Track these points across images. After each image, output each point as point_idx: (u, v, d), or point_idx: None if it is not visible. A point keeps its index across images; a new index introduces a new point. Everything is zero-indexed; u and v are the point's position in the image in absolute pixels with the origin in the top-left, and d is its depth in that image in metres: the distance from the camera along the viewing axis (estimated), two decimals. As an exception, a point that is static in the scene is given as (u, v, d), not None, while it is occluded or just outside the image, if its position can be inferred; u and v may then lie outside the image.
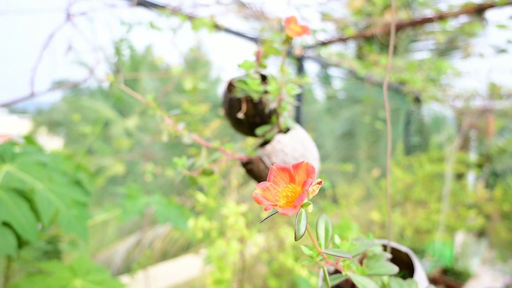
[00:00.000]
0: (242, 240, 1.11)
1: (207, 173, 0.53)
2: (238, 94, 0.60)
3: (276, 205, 0.29)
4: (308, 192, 0.28)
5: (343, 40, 2.55)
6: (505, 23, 2.11)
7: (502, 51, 2.53)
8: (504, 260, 3.20)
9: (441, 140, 5.17)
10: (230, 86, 0.66)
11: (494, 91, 3.76)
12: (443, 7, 2.10)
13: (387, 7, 2.25)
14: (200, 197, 1.15)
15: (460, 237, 4.34)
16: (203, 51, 1.72)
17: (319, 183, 0.29)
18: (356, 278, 0.36)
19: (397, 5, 2.37)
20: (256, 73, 0.59)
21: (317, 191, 0.29)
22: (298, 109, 2.68)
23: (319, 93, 6.00)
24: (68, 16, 1.58)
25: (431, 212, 3.32)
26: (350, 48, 4.31)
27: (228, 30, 2.20)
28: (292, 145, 0.54)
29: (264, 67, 0.61)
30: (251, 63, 0.57)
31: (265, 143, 0.64)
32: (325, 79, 5.60)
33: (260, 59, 0.59)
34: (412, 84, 3.80)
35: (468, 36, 2.44)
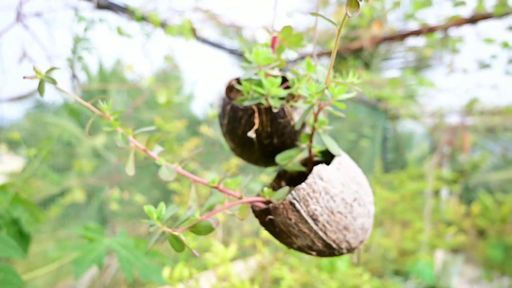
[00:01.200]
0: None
1: (200, 229, 0.32)
2: (246, 101, 0.40)
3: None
4: None
5: (326, 54, 2.43)
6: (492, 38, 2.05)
7: (485, 66, 2.49)
8: (490, 280, 3.12)
9: (417, 157, 5.17)
10: (230, 91, 0.46)
11: (471, 107, 3.77)
12: (430, 20, 2.02)
13: (373, 20, 2.15)
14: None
15: (440, 254, 4.27)
16: (176, 62, 1.52)
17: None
18: None
19: (384, 18, 2.28)
20: (274, 69, 0.39)
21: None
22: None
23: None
24: (19, 16, 1.33)
25: (416, 231, 3.21)
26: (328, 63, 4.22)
27: (205, 40, 2.01)
28: (341, 183, 0.34)
29: (282, 63, 0.41)
30: (267, 53, 0.37)
31: (284, 177, 0.44)
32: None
33: (276, 50, 0.40)
34: (391, 100, 3.75)
35: (452, 52, 2.38)
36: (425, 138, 6.52)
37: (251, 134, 0.39)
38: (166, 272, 0.77)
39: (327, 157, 0.41)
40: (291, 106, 0.40)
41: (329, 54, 2.43)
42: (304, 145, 0.40)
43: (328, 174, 0.34)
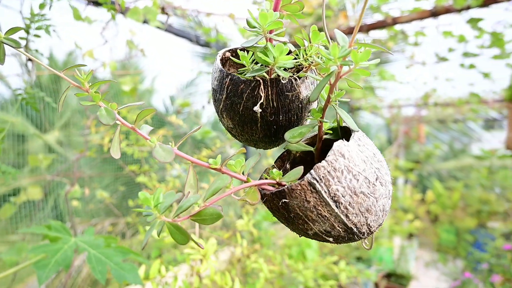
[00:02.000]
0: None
1: (206, 217, 0.28)
2: (250, 72, 0.35)
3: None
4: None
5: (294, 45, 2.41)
6: (451, 31, 2.14)
7: (443, 59, 2.60)
8: (445, 262, 3.30)
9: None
10: (222, 65, 0.41)
11: (426, 100, 3.95)
12: (395, 12, 2.06)
13: (341, 11, 2.16)
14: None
15: (397, 241, 4.47)
16: (139, 48, 1.42)
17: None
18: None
19: (350, 10, 2.30)
20: (280, 35, 0.35)
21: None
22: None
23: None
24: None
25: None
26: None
27: (169, 28, 1.91)
28: (362, 160, 0.30)
29: (283, 33, 0.37)
30: (274, 15, 0.32)
31: (288, 159, 0.40)
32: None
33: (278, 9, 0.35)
34: (353, 93, 3.83)
35: (413, 45, 2.45)
36: (383, 130, 6.77)
37: (257, 108, 0.34)
38: (141, 270, 0.71)
39: (338, 135, 0.37)
40: (299, 78, 0.36)
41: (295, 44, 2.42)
42: (315, 121, 0.36)
43: (350, 151, 0.30)
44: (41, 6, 0.84)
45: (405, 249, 4.18)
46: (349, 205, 0.30)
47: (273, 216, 0.34)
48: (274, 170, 0.34)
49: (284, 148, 0.40)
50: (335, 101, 0.35)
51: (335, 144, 0.31)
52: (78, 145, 3.13)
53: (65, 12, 1.43)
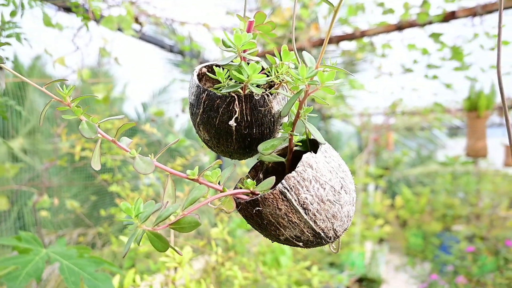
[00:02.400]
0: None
1: (184, 225, 0.29)
2: (225, 88, 0.37)
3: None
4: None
5: (268, 53, 2.46)
6: (415, 44, 2.26)
7: (408, 70, 2.73)
8: (413, 265, 3.42)
9: (347, 155, 5.50)
10: (199, 80, 0.43)
11: (394, 108, 4.10)
12: (363, 25, 2.15)
13: (312, 22, 2.23)
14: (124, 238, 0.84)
15: (369, 245, 4.58)
16: (112, 56, 1.41)
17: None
18: None
19: (319, 22, 2.38)
20: (252, 54, 0.38)
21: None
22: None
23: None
24: None
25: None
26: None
27: (143, 36, 1.90)
28: (328, 170, 0.33)
29: (256, 51, 0.39)
30: (248, 37, 0.35)
31: (260, 169, 0.42)
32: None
33: (252, 27, 0.38)
34: (323, 102, 3.91)
35: (380, 56, 2.57)
36: (354, 137, 6.94)
37: (232, 122, 0.37)
38: (116, 280, 0.70)
39: (306, 147, 0.40)
40: (271, 94, 0.38)
41: (268, 53, 2.47)
42: (286, 134, 0.39)
43: (317, 162, 0.33)
44: (12, 13, 0.83)
45: (376, 253, 4.29)
46: (317, 211, 0.32)
47: (248, 223, 0.36)
48: (248, 180, 0.36)
49: (257, 159, 0.43)
50: (304, 116, 0.37)
51: (304, 156, 0.33)
52: (44, 153, 3.03)
53: (36, 18, 1.40)
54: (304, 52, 0.35)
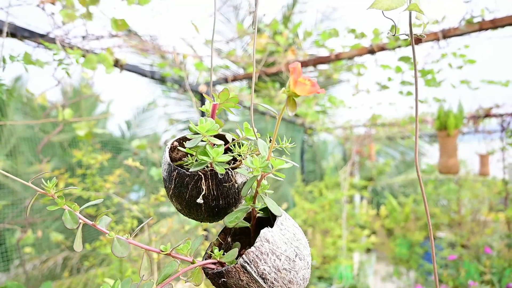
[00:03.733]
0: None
1: None
2: (193, 167, 0.42)
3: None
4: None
5: (247, 76, 2.53)
6: (387, 64, 2.36)
7: (384, 87, 2.84)
8: (399, 275, 3.49)
9: (331, 166, 5.58)
10: (172, 150, 0.48)
11: (374, 121, 4.22)
12: (337, 48, 2.24)
13: (289, 46, 2.31)
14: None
15: (357, 256, 4.64)
16: (92, 89, 1.44)
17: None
18: None
19: (298, 44, 2.47)
20: (215, 136, 0.43)
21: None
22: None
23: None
24: None
25: (336, 238, 3.46)
26: (245, 83, 4.41)
27: (128, 68, 1.95)
28: (284, 242, 0.38)
29: (221, 124, 0.45)
30: (211, 125, 0.40)
31: (229, 232, 0.47)
32: (221, 113, 5.61)
33: (215, 114, 0.43)
34: (306, 116, 4.03)
35: (357, 75, 2.67)
36: (338, 147, 7.04)
37: (200, 200, 0.41)
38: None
39: (269, 213, 0.45)
40: (234, 169, 0.43)
41: (248, 77, 2.54)
42: (248, 205, 0.43)
43: (273, 236, 0.38)
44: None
45: (363, 264, 4.34)
46: (274, 280, 0.37)
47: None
48: (215, 251, 0.41)
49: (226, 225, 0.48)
50: (262, 191, 0.42)
51: (262, 231, 0.38)
52: (26, 176, 2.99)
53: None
54: (259, 141, 0.40)
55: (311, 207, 3.35)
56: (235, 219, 0.42)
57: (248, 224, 0.45)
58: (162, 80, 2.29)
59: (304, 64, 2.24)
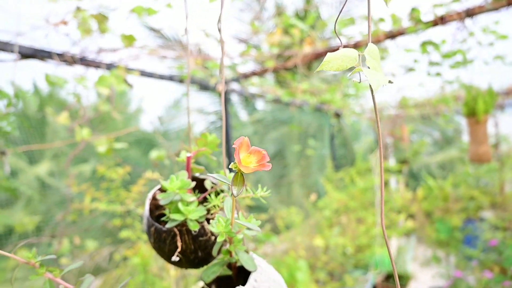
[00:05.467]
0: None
1: None
2: (169, 223, 0.43)
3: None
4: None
5: (264, 71, 2.51)
6: (412, 47, 2.25)
7: (411, 69, 2.71)
8: (438, 261, 3.38)
9: (365, 149, 5.46)
10: (154, 201, 0.49)
11: (404, 103, 4.06)
12: (356, 35, 2.16)
13: (304, 38, 2.26)
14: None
15: (394, 241, 4.55)
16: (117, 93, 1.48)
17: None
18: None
19: (314, 36, 2.40)
20: (190, 187, 0.43)
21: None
22: (227, 134, 2.57)
23: (245, 117, 6.00)
24: None
25: (369, 226, 3.41)
26: (270, 75, 4.38)
27: (142, 73, 2.00)
28: (257, 298, 0.38)
29: (199, 170, 0.45)
30: (182, 183, 0.40)
31: (214, 279, 0.48)
32: (250, 106, 5.62)
33: (190, 165, 0.43)
34: (333, 103, 3.94)
35: (380, 59, 2.56)
36: (370, 131, 6.85)
37: (175, 258, 0.42)
38: None
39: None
40: (209, 223, 0.44)
41: (265, 72, 2.51)
42: (226, 258, 0.44)
43: (246, 295, 0.38)
44: (8, 104, 0.91)
45: (402, 249, 4.25)
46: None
47: None
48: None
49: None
50: (235, 248, 0.42)
51: (236, 292, 0.39)
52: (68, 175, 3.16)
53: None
54: (225, 200, 0.40)
55: (341, 197, 3.31)
56: (211, 273, 0.42)
57: (230, 273, 0.46)
58: (181, 81, 2.34)
59: (320, 55, 2.18)
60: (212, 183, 0.48)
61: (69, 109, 1.45)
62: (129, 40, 1.26)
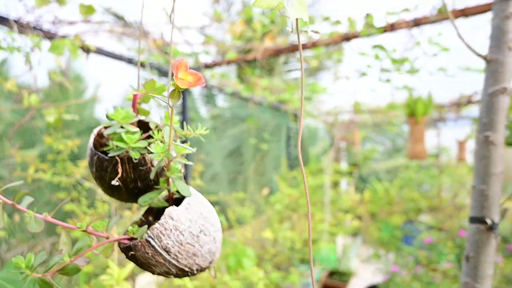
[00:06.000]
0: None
1: (68, 271, 0.38)
2: (111, 151, 0.46)
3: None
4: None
5: (226, 63, 2.55)
6: (365, 51, 2.39)
7: (363, 74, 2.87)
8: (379, 258, 3.59)
9: (320, 152, 5.64)
10: (99, 139, 0.51)
11: (357, 108, 4.27)
12: (314, 35, 2.26)
13: (266, 33, 2.33)
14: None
15: (340, 240, 4.75)
16: (71, 70, 1.46)
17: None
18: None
19: (275, 32, 2.47)
20: (134, 123, 0.46)
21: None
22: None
23: (204, 113, 5.98)
24: None
25: (317, 222, 3.54)
26: (232, 69, 4.41)
27: (100, 51, 1.95)
28: (188, 219, 0.42)
29: (146, 113, 0.48)
30: (126, 113, 0.43)
31: (152, 211, 0.51)
32: (209, 99, 5.61)
33: (137, 103, 0.47)
34: (291, 103, 4.05)
35: (336, 62, 2.70)
36: (327, 136, 7.09)
37: (114, 182, 0.45)
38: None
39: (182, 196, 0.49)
40: (150, 153, 0.47)
41: (227, 63, 2.55)
42: (163, 186, 0.47)
43: (178, 214, 0.42)
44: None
45: (347, 247, 4.45)
46: (178, 252, 0.41)
47: (130, 261, 0.45)
48: (130, 227, 0.45)
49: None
50: (172, 174, 0.46)
51: (166, 210, 0.42)
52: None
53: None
54: (165, 128, 0.44)
55: (292, 193, 3.41)
56: (148, 199, 0.46)
57: (166, 204, 0.49)
58: (141, 65, 2.31)
59: (280, 51, 2.26)
60: (156, 124, 0.51)
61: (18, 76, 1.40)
62: (87, 10, 1.25)
